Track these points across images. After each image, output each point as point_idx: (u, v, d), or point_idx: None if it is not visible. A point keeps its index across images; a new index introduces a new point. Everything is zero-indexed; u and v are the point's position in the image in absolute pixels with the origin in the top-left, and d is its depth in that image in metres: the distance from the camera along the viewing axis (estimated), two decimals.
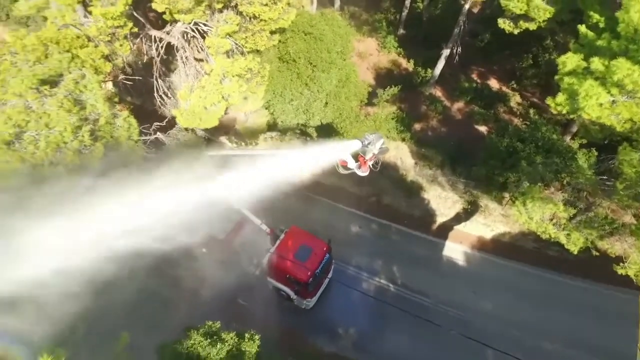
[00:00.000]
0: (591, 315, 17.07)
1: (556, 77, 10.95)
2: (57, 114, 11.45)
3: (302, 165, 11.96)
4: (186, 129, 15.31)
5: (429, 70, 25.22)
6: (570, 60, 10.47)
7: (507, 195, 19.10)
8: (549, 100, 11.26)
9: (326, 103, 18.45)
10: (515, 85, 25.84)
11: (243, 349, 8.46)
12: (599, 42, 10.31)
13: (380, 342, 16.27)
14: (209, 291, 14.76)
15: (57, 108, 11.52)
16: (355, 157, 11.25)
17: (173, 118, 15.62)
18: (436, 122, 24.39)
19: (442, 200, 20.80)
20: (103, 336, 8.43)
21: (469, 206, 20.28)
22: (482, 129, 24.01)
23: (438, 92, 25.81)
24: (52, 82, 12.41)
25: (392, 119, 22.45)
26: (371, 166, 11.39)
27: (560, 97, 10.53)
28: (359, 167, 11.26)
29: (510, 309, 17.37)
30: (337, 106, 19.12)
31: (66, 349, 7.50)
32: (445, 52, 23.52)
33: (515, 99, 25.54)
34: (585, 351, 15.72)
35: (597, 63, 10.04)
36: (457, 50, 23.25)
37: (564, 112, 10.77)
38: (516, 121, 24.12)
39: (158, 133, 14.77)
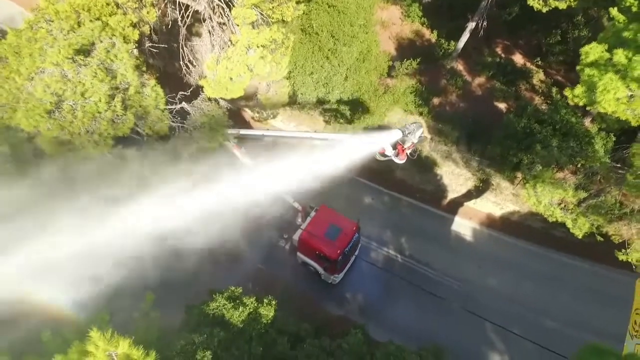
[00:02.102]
0: (594, 297, 17.55)
1: (578, 67, 10.98)
2: (92, 84, 12.04)
3: (344, 156, 12.26)
4: (209, 99, 15.74)
5: (452, 43, 24.75)
6: (593, 51, 10.42)
7: (519, 175, 19.36)
8: (566, 92, 11.31)
9: (346, 77, 18.58)
10: (540, 62, 25.27)
11: (261, 313, 9.41)
12: (625, 34, 10.25)
13: (385, 309, 17.32)
14: (235, 257, 15.74)
15: (91, 77, 12.10)
16: (394, 144, 11.50)
17: (197, 87, 16.04)
18: (455, 97, 24.24)
19: (455, 177, 21.20)
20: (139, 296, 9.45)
21: (481, 184, 20.67)
22: (502, 106, 23.83)
23: (460, 66, 25.44)
24: (85, 50, 12.91)
25: (411, 92, 22.42)
26: (409, 154, 11.66)
27: (579, 89, 10.59)
28: (397, 154, 11.50)
29: (514, 285, 18.08)
30: (357, 80, 19.23)
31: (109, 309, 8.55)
32: (471, 25, 22.99)
33: (538, 76, 25.06)
34: (584, 331, 16.17)
35: (620, 55, 10.03)
36: (482, 24, 22.69)
37: (581, 104, 10.90)
38: (537, 99, 23.83)
39: (183, 103, 15.27)
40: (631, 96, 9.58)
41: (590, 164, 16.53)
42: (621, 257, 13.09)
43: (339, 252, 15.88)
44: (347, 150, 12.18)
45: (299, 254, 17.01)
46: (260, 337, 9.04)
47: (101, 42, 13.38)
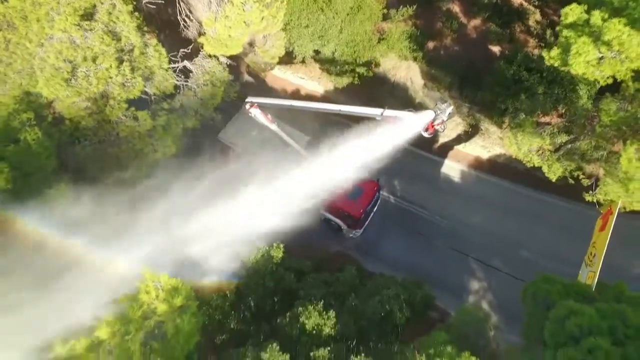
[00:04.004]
0: (570, 232, 18.81)
1: (557, 28, 11.60)
2: (100, 49, 12.73)
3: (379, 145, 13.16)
4: (210, 56, 16.31)
5: None
6: (573, 12, 10.98)
7: (506, 120, 20.37)
8: (544, 53, 11.99)
9: (341, 29, 18.86)
10: (537, 2, 25.02)
11: (272, 254, 11.18)
12: None
13: (378, 245, 19.30)
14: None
15: (99, 43, 12.76)
16: None
17: (197, 43, 16.55)
18: (450, 41, 24.37)
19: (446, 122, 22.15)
20: None
21: (470, 128, 21.76)
22: (496, 49, 24.03)
23: (456, 7, 25.19)
24: (88, 14, 13.38)
25: (406, 38, 22.59)
26: (437, 129, 12.86)
27: (555, 51, 11.31)
28: (426, 129, 12.71)
29: (497, 223, 19.72)
30: (351, 31, 19.50)
31: None
32: None
33: (534, 17, 24.92)
34: (558, 262, 17.52)
35: (596, 16, 10.66)
36: None
37: (556, 64, 11.69)
38: (531, 42, 23.99)
39: (185, 61, 15.88)
40: (601, 58, 10.43)
41: (574, 109, 17.50)
42: (588, 197, 14.64)
43: (361, 211, 17.55)
44: (382, 138, 13.13)
45: (322, 211, 18.33)
46: (272, 274, 10.93)
47: (102, 3, 13.79)
